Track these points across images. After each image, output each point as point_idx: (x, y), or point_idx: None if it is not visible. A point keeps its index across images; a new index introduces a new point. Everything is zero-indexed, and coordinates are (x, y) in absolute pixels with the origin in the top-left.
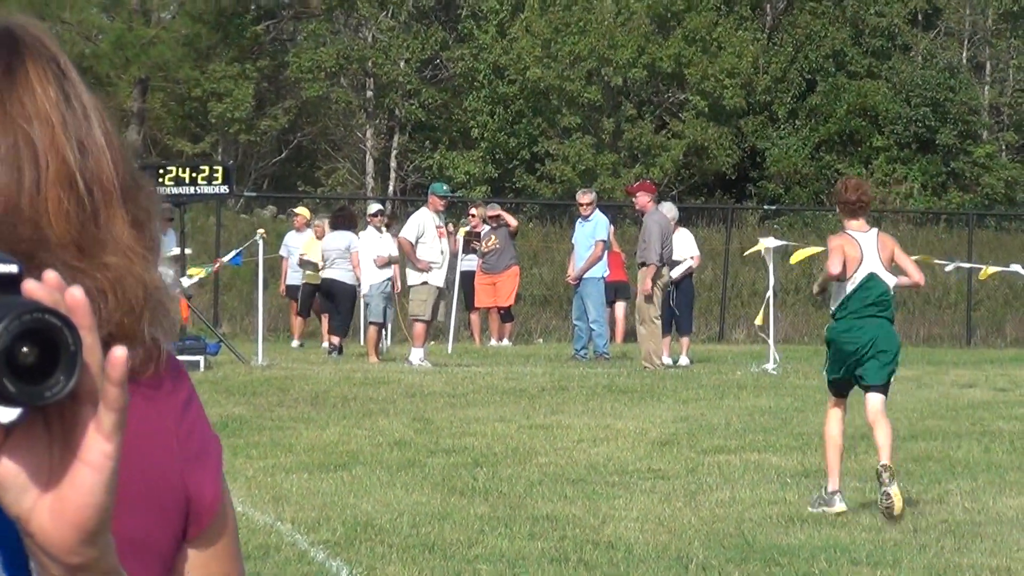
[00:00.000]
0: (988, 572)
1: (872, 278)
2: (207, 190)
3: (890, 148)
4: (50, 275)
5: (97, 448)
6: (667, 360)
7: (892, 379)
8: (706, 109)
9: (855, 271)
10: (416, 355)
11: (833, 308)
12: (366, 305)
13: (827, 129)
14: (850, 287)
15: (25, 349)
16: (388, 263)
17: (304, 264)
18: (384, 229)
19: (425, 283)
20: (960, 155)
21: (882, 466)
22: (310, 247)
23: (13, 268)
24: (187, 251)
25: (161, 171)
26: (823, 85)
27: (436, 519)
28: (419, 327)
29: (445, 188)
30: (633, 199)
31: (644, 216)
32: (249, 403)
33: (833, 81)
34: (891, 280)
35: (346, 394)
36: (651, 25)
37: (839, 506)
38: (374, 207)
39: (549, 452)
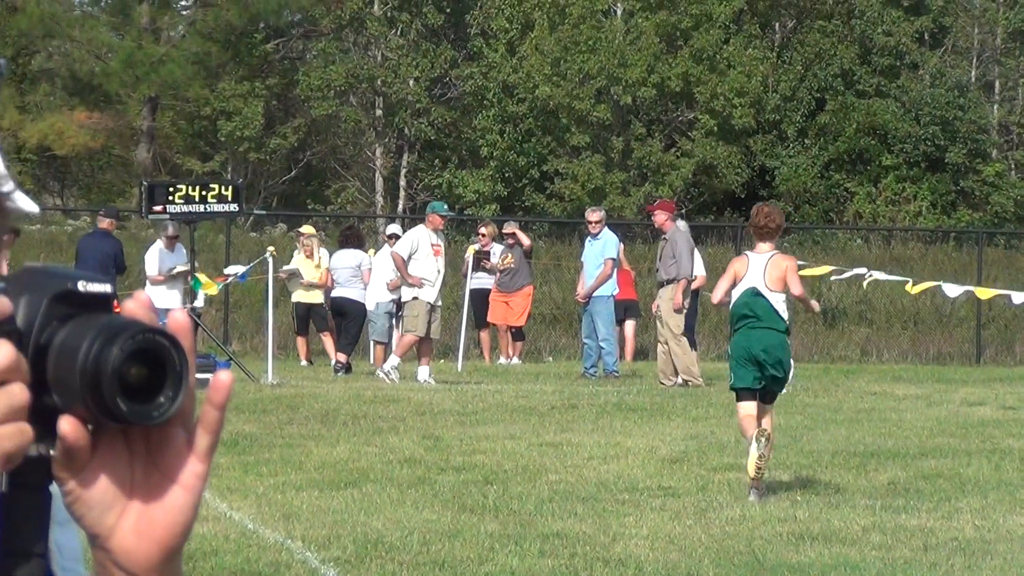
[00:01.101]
0: None
1: (752, 294)
2: (217, 208)
3: (899, 167)
4: (142, 296)
5: (191, 469)
6: (677, 379)
7: (787, 384)
8: (715, 128)
9: (741, 285)
10: (391, 362)
11: (733, 320)
12: (371, 323)
13: (836, 148)
14: (734, 296)
15: (135, 369)
16: (400, 286)
17: (292, 280)
18: None
19: (416, 298)
20: (969, 174)
21: (760, 430)
22: (301, 264)
23: (108, 288)
24: (184, 267)
25: (171, 189)
26: (832, 104)
27: (446, 536)
28: (408, 339)
29: (445, 208)
30: (652, 216)
31: (667, 234)
32: (259, 421)
33: (842, 100)
34: (777, 296)
35: (356, 412)
36: (660, 44)
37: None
38: (391, 229)
39: (559, 470)
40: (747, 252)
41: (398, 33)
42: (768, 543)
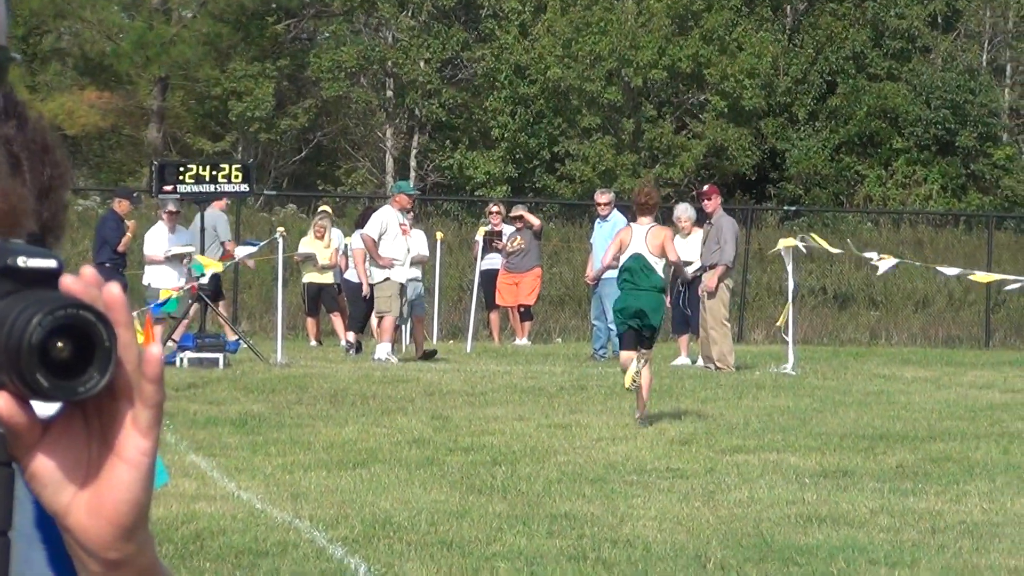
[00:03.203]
0: (1006, 573)
1: (636, 258)
2: (227, 189)
3: (910, 150)
4: (87, 271)
5: (133, 444)
6: (685, 360)
7: (656, 334)
8: (726, 110)
9: (627, 252)
10: (384, 349)
11: (618, 280)
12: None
13: (847, 131)
14: (622, 261)
15: (60, 344)
16: (417, 262)
17: (306, 263)
18: (412, 230)
19: (387, 279)
20: (980, 157)
21: (641, 354)
22: (313, 247)
23: (52, 263)
24: (191, 248)
25: (181, 169)
26: (843, 87)
27: (454, 517)
28: (388, 321)
29: (412, 187)
30: (705, 201)
31: (713, 219)
32: (268, 401)
33: (853, 83)
34: (656, 261)
35: (365, 392)
36: (671, 25)
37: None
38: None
39: (568, 451)
40: (631, 224)
41: (409, 14)
42: (776, 525)
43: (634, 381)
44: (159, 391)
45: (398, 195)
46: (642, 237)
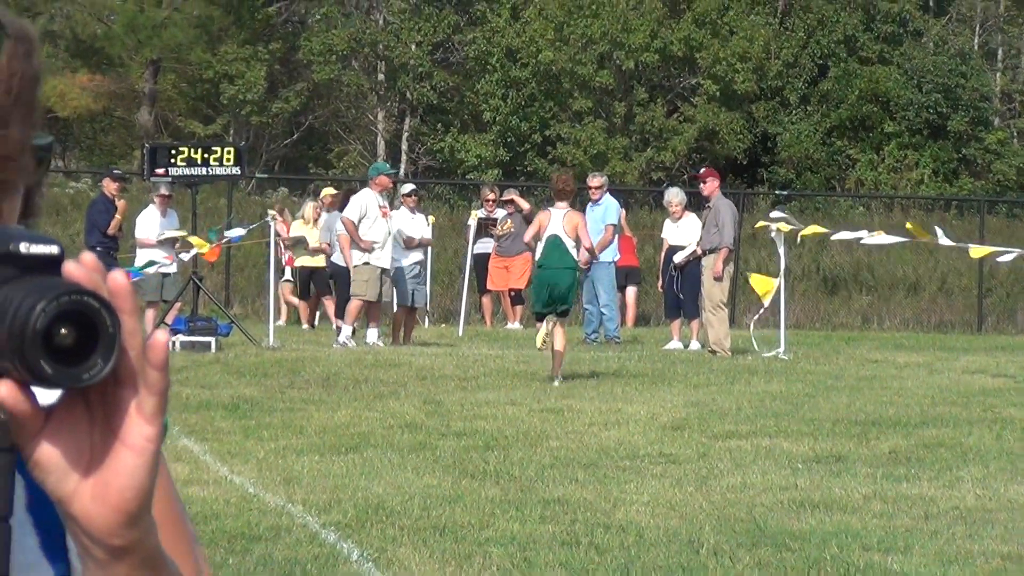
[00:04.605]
0: (999, 559)
1: (554, 238)
2: (219, 171)
3: (901, 134)
4: (88, 257)
5: (138, 431)
6: (677, 344)
7: (568, 309)
8: (717, 93)
9: (545, 234)
10: (345, 332)
11: (537, 259)
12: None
13: (839, 115)
14: (541, 244)
15: (64, 331)
16: (419, 245)
17: (296, 246)
18: (416, 211)
19: (367, 263)
20: (971, 142)
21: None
22: (302, 229)
23: (54, 249)
24: (182, 232)
25: (173, 152)
26: (835, 71)
27: (447, 502)
28: (355, 304)
29: (390, 168)
30: (701, 184)
31: (711, 202)
32: (260, 384)
33: (845, 67)
34: (571, 242)
35: (357, 376)
36: (663, 9)
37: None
38: (407, 187)
39: (560, 436)
40: (549, 208)
41: None
42: (769, 510)
43: (545, 342)
44: (164, 378)
45: (377, 177)
46: (559, 220)
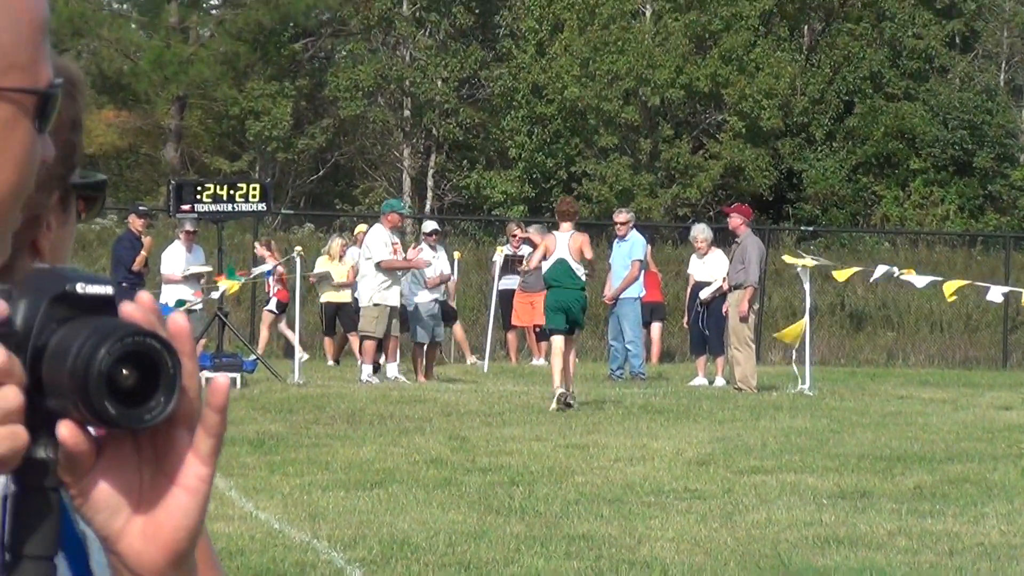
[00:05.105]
0: None
1: (560, 261)
2: (245, 208)
3: (927, 170)
4: (145, 297)
5: (193, 472)
6: (703, 380)
7: (577, 327)
8: (743, 130)
9: (552, 257)
10: (366, 371)
11: (544, 278)
12: (415, 326)
13: (864, 151)
14: (547, 265)
15: (126, 372)
16: (441, 282)
17: (321, 282)
18: (438, 248)
19: (376, 304)
20: (997, 178)
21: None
22: (328, 267)
23: (108, 290)
24: (207, 268)
25: (199, 188)
26: (861, 107)
27: (472, 538)
28: (368, 343)
29: (403, 205)
30: (727, 219)
31: (739, 238)
32: (285, 420)
33: (871, 103)
34: (577, 265)
35: (382, 412)
36: (689, 45)
37: (553, 405)
38: (430, 226)
39: (585, 471)
40: (554, 232)
41: (427, 33)
42: (794, 546)
43: (559, 404)
44: (223, 421)
45: (389, 213)
46: (565, 243)
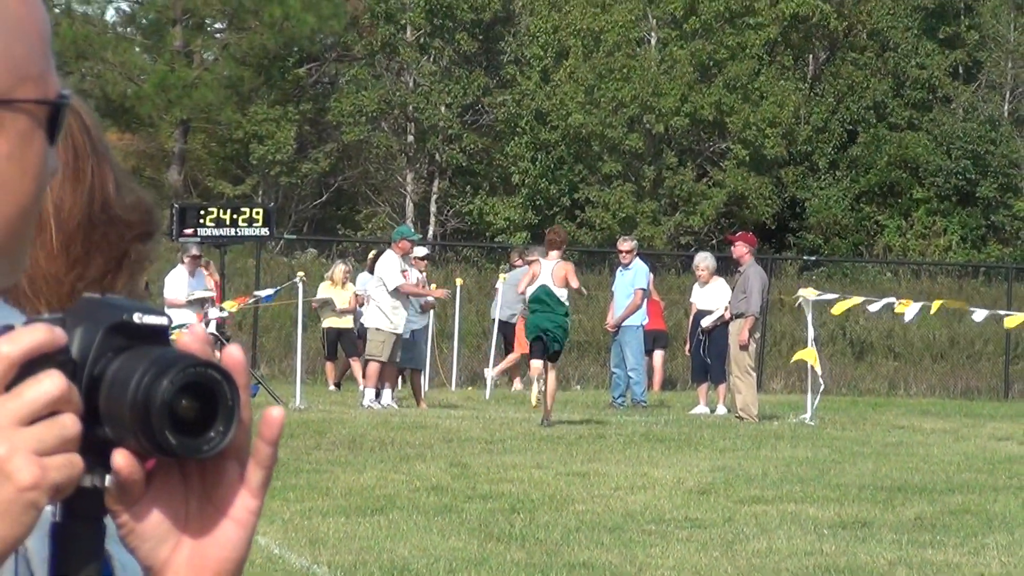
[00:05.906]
0: None
1: (542, 287)
2: (248, 232)
3: (930, 200)
4: (199, 329)
5: (243, 504)
6: (704, 409)
7: (560, 350)
8: (747, 158)
9: (536, 283)
10: (368, 395)
11: (527, 303)
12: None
13: (867, 180)
14: (530, 290)
15: (186, 403)
16: (432, 307)
17: (324, 307)
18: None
19: (380, 329)
20: (1000, 208)
21: (541, 374)
22: (330, 293)
23: (163, 320)
24: (209, 292)
25: (202, 212)
26: (864, 136)
27: (472, 565)
28: (373, 367)
29: (414, 232)
30: (730, 247)
31: (743, 267)
32: (286, 445)
33: (874, 132)
34: (561, 291)
35: (383, 438)
36: (693, 73)
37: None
38: (422, 251)
39: (586, 499)
40: (541, 259)
41: (431, 59)
42: None
43: (539, 400)
44: (274, 453)
45: (400, 240)
46: (549, 271)
